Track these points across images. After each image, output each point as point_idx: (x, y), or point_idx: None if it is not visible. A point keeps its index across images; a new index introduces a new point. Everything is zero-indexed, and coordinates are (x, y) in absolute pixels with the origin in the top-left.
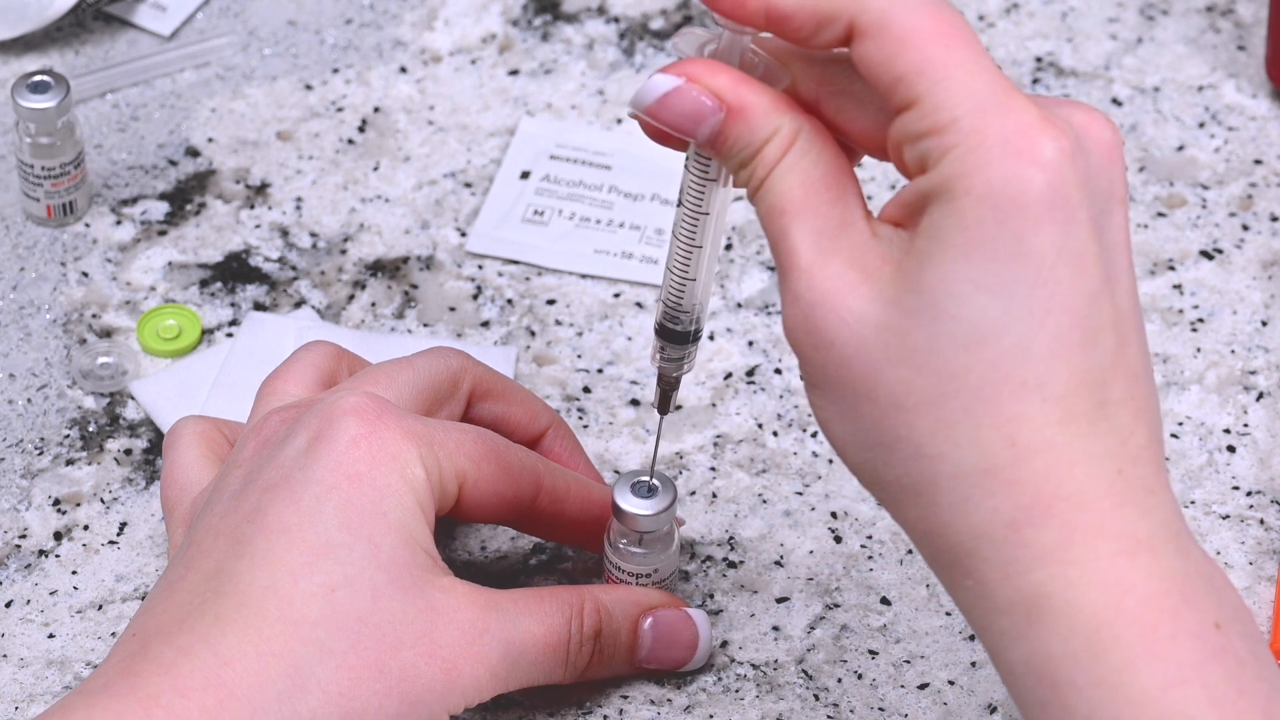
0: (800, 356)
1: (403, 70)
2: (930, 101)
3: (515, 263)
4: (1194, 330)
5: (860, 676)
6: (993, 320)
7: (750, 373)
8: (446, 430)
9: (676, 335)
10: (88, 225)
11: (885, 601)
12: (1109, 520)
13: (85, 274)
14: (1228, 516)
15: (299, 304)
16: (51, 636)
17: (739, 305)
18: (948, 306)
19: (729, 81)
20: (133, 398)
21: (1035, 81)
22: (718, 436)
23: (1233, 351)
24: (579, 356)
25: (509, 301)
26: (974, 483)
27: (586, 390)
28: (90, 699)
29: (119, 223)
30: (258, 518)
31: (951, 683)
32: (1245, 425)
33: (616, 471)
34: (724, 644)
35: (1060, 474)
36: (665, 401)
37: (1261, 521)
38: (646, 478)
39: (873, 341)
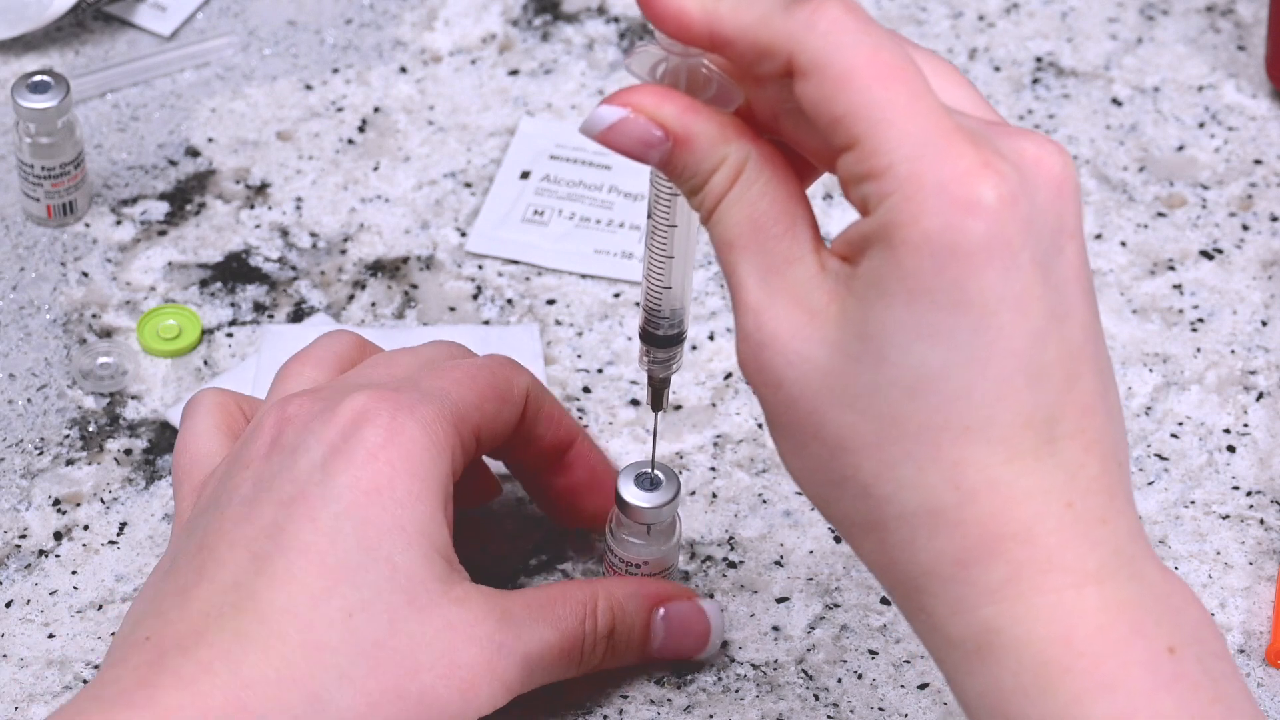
0: (754, 391)
1: (403, 70)
2: (867, 145)
3: (515, 263)
4: (1194, 330)
5: (860, 676)
6: (934, 367)
7: None
8: (449, 386)
9: (658, 339)
10: (88, 225)
11: (885, 601)
12: (1056, 555)
13: (85, 274)
14: (1228, 516)
15: (299, 304)
16: (51, 636)
17: None
18: (889, 353)
19: (674, 111)
20: (134, 396)
21: (1035, 81)
22: (718, 436)
23: (1233, 351)
24: (579, 356)
25: (509, 301)
26: (920, 523)
27: (586, 390)
28: (105, 706)
29: (119, 223)
30: (277, 534)
31: None
32: (1245, 425)
33: (616, 472)
34: (724, 644)
35: (1006, 512)
36: (658, 399)
37: (1261, 521)
38: (649, 469)
39: (817, 384)
